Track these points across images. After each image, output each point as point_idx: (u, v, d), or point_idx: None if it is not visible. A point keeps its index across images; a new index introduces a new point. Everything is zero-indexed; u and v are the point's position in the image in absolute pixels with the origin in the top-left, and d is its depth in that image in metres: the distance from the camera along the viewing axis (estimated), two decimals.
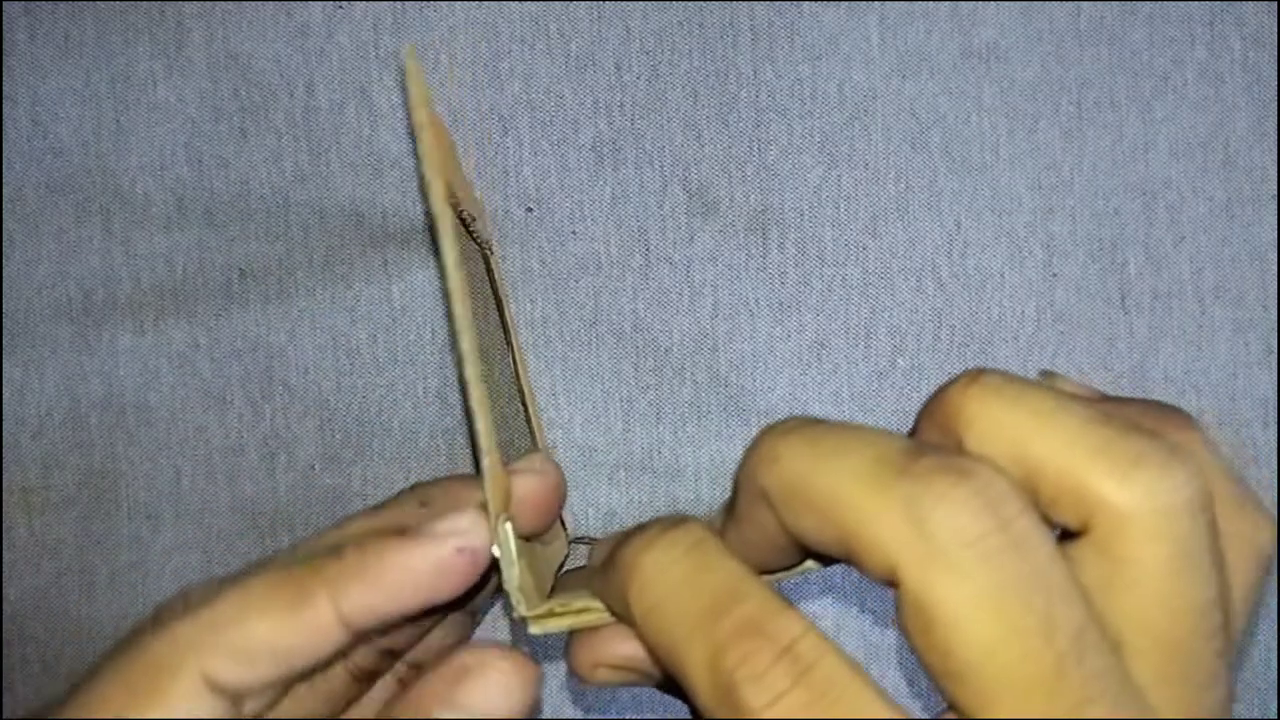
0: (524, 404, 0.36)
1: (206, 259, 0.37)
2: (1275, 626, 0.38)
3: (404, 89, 0.36)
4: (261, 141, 0.37)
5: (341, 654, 0.25)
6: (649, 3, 0.37)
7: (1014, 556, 0.19)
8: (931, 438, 0.22)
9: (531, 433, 0.35)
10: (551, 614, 0.24)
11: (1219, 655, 0.21)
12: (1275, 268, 0.38)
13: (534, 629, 0.24)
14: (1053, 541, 0.20)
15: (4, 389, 0.36)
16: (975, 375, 0.21)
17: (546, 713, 0.37)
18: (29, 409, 0.36)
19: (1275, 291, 0.38)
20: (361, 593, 0.23)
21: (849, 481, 0.20)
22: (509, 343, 0.36)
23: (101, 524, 0.37)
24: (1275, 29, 0.38)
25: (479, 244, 0.35)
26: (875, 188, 0.37)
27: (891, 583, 0.20)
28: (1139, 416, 0.22)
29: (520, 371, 0.35)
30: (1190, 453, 0.20)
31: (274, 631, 0.23)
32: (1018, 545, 0.19)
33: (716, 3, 0.37)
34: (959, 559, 0.19)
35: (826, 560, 0.23)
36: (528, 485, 0.26)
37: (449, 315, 0.35)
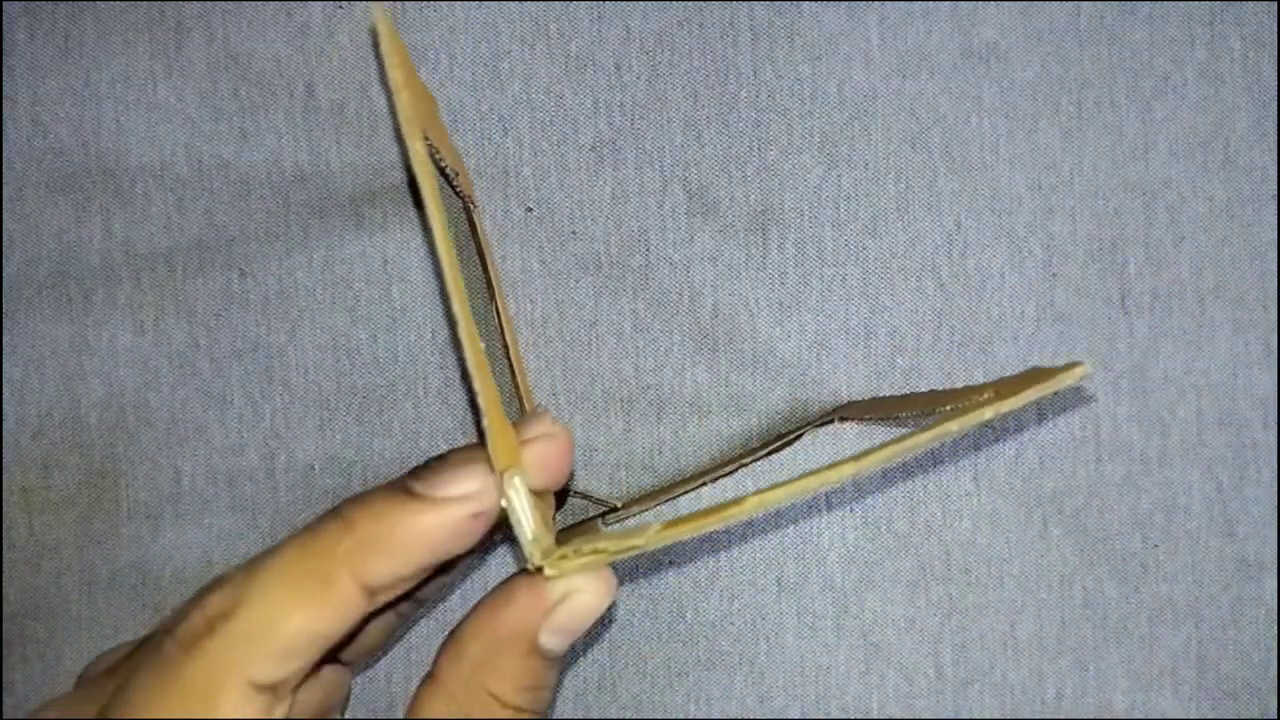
0: (509, 359, 0.36)
1: (206, 259, 0.37)
2: (1275, 625, 0.38)
3: (376, 49, 0.36)
4: (261, 141, 0.37)
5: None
6: (649, 3, 0.37)
7: None
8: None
9: (516, 387, 0.35)
10: (564, 558, 0.25)
11: None
12: (1275, 268, 0.38)
13: (550, 571, 0.25)
14: None
15: (4, 389, 0.36)
16: None
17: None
18: (29, 409, 0.36)
19: (1275, 291, 0.38)
20: (380, 563, 0.24)
21: None
22: (492, 297, 0.36)
23: (101, 524, 0.37)
24: (1275, 29, 0.38)
25: (461, 198, 0.35)
26: (875, 188, 0.37)
27: None
28: None
29: (504, 325, 0.35)
30: None
31: (307, 623, 0.23)
32: None
33: (716, 3, 0.37)
34: None
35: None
36: (541, 450, 0.26)
37: (438, 276, 0.35)
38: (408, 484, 0.24)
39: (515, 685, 0.25)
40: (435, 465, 0.25)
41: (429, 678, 0.26)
